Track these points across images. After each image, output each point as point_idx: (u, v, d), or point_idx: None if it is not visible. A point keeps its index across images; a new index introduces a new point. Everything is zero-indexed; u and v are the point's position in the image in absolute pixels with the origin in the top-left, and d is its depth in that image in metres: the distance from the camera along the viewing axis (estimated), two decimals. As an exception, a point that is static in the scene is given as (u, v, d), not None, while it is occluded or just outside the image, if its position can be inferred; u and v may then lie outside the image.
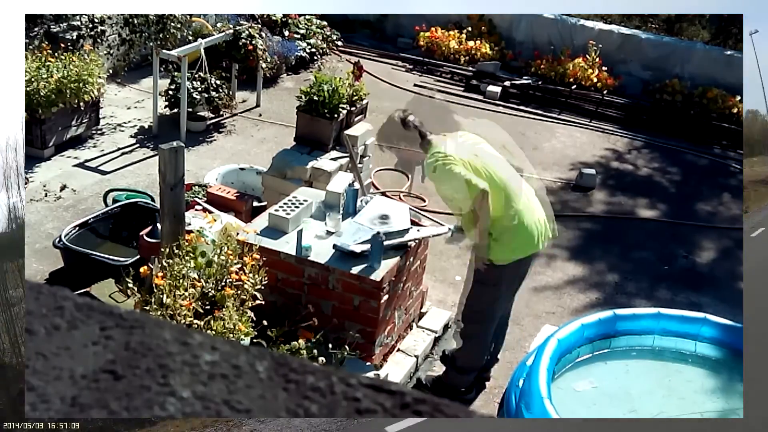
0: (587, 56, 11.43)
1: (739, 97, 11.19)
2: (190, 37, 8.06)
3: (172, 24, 7.71)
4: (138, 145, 7.85)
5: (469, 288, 4.46)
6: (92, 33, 8.17)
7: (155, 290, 3.70)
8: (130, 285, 3.80)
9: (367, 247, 4.33)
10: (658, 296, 6.43)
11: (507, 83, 11.06)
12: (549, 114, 10.68)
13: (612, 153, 9.89)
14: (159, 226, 4.59)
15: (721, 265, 7.32)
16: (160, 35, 7.60)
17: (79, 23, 8.10)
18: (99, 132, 7.96)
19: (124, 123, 8.29)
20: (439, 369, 4.90)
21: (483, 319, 4.47)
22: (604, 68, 11.44)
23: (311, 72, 8.89)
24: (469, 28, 12.17)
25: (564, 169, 8.97)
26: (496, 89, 10.89)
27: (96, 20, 8.26)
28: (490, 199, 4.05)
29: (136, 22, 7.65)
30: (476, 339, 4.55)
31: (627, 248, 7.39)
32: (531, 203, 4.28)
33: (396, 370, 4.65)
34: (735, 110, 11.09)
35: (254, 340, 3.87)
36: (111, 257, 5.09)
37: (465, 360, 4.60)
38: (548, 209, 4.44)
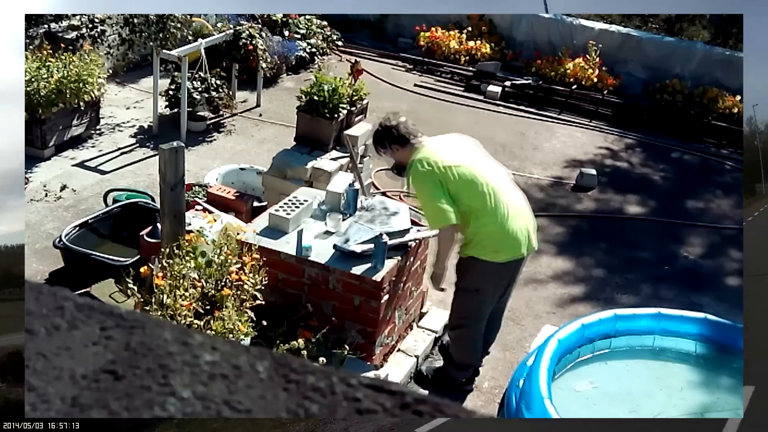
0: (587, 56, 11.43)
1: (739, 97, 11.19)
2: (190, 37, 8.06)
3: (172, 24, 7.71)
4: (138, 145, 7.85)
5: (453, 295, 4.52)
6: (92, 33, 8.17)
7: (155, 290, 3.70)
8: (131, 285, 3.80)
9: (367, 247, 4.33)
10: (658, 296, 6.42)
11: (507, 83, 11.06)
12: (549, 114, 10.68)
13: (612, 153, 9.89)
14: (159, 226, 4.60)
15: (722, 265, 7.32)
16: (160, 35, 7.60)
17: (79, 23, 8.10)
18: (99, 132, 7.96)
19: (124, 123, 8.29)
20: (439, 360, 4.92)
21: (468, 323, 4.51)
22: (604, 68, 11.44)
23: (311, 72, 8.89)
24: (470, 28, 12.17)
25: (564, 169, 8.97)
26: (497, 89, 10.89)
27: (96, 20, 8.26)
28: (470, 204, 4.11)
29: (135, 21, 7.65)
30: (466, 342, 4.61)
31: (627, 248, 7.39)
32: (519, 209, 4.28)
33: (396, 370, 4.65)
34: (735, 110, 11.09)
35: (254, 340, 3.87)
36: (111, 257, 5.09)
37: (460, 357, 4.68)
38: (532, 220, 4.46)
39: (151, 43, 7.66)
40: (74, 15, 8.15)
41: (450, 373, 4.71)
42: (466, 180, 4.11)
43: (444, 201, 4.07)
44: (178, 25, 7.79)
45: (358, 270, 4.26)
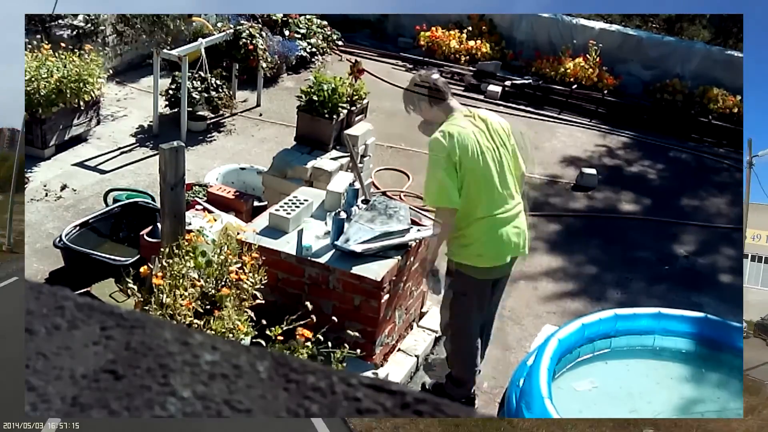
0: (588, 56, 11.43)
1: (739, 97, 11.19)
2: (186, 32, 8.05)
3: (167, 16, 7.71)
4: (138, 144, 7.85)
5: (441, 300, 4.42)
6: (90, 27, 8.17)
7: (155, 290, 3.70)
8: (131, 285, 3.80)
9: (367, 246, 4.33)
10: (658, 296, 6.42)
11: (507, 83, 11.06)
12: (549, 114, 10.68)
13: (612, 153, 9.89)
14: (159, 225, 4.60)
15: (722, 265, 7.33)
16: (154, 28, 7.60)
17: (78, 23, 8.10)
18: (99, 132, 7.97)
19: (124, 123, 8.29)
20: (439, 372, 4.90)
21: (458, 328, 4.38)
22: (604, 68, 11.44)
23: (312, 72, 8.89)
24: (470, 28, 12.17)
25: (564, 168, 8.97)
26: (497, 89, 10.89)
27: (96, 20, 8.26)
28: (473, 195, 3.94)
29: (130, 15, 7.67)
30: (458, 349, 4.48)
31: (627, 248, 7.39)
32: (514, 216, 4.11)
33: (396, 369, 4.65)
34: (735, 110, 11.09)
35: (254, 340, 3.87)
36: (111, 257, 5.09)
37: (456, 373, 4.57)
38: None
39: (144, 36, 7.65)
40: (75, 15, 8.15)
41: (449, 391, 4.59)
42: (476, 167, 3.91)
43: (450, 181, 3.87)
44: (172, 18, 7.78)
45: (358, 270, 4.26)
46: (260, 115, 9.01)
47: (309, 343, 3.91)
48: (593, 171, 8.65)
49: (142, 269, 3.91)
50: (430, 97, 4.12)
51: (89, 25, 8.21)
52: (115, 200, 6.05)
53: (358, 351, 4.30)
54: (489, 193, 4.01)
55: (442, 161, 3.90)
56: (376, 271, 4.27)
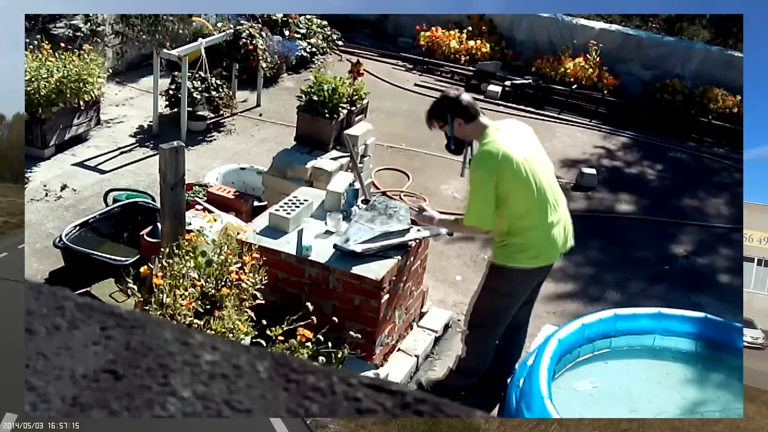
0: (588, 56, 11.43)
1: (739, 97, 11.19)
2: (186, 31, 8.05)
3: (166, 17, 7.71)
4: (138, 144, 7.85)
5: (479, 293, 4.36)
6: (90, 27, 8.17)
7: (155, 290, 3.70)
8: (131, 285, 3.80)
9: (367, 246, 4.33)
10: (658, 295, 6.42)
11: (507, 83, 11.06)
12: (549, 114, 10.68)
13: (612, 153, 9.89)
14: (159, 225, 4.60)
15: (721, 265, 7.32)
16: (153, 28, 7.60)
17: (78, 23, 8.10)
18: (99, 132, 7.97)
19: (124, 122, 8.29)
20: (439, 371, 4.89)
21: (491, 324, 4.39)
22: (604, 68, 11.44)
23: (311, 72, 8.89)
24: (470, 28, 12.17)
25: (564, 168, 8.97)
26: (497, 89, 10.89)
27: (95, 20, 8.26)
28: (524, 205, 4.02)
29: (129, 16, 7.67)
30: (482, 344, 4.48)
31: (627, 248, 7.39)
32: (562, 213, 4.19)
33: (396, 369, 4.65)
34: (735, 110, 11.09)
35: (254, 340, 3.87)
36: (111, 257, 5.09)
37: (468, 363, 4.54)
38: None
39: (145, 36, 7.66)
40: (74, 15, 8.15)
41: (452, 382, 4.59)
42: (523, 179, 3.96)
43: (490, 205, 3.96)
44: (171, 19, 7.78)
45: (358, 270, 4.26)
46: (260, 115, 9.01)
47: (309, 343, 3.91)
48: (593, 171, 8.65)
49: (142, 269, 3.92)
50: (466, 114, 4.13)
51: (89, 24, 8.21)
52: (115, 200, 6.05)
53: (358, 351, 4.31)
54: (541, 200, 4.04)
55: (487, 183, 3.96)
56: (376, 271, 4.27)
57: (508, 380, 4.68)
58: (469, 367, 4.56)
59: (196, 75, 8.20)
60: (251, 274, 3.98)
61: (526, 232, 4.07)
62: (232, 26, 8.49)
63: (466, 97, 4.19)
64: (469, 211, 4.14)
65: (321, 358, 3.95)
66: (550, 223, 4.08)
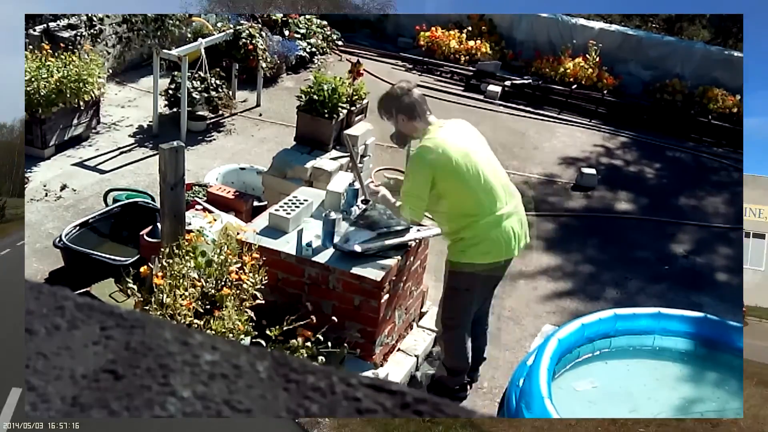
0: (587, 56, 11.43)
1: (738, 97, 11.19)
2: (189, 35, 8.05)
3: (170, 22, 7.71)
4: (138, 144, 7.85)
5: (443, 293, 4.46)
6: (91, 32, 8.17)
7: (155, 290, 3.70)
8: (131, 285, 3.80)
9: (367, 246, 4.33)
10: (658, 295, 6.43)
11: (507, 83, 11.06)
12: (549, 114, 10.68)
13: (612, 152, 9.89)
14: (159, 225, 4.59)
15: (721, 265, 7.33)
16: (158, 33, 7.60)
17: (78, 22, 8.10)
18: (99, 132, 7.97)
19: (124, 122, 8.29)
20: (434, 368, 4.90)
21: (459, 324, 4.45)
22: (604, 68, 11.44)
23: (311, 71, 8.89)
24: (470, 28, 12.17)
25: (564, 168, 8.97)
26: (496, 89, 10.89)
27: (95, 20, 8.26)
28: (470, 199, 4.08)
29: (133, 20, 7.66)
30: (457, 342, 4.53)
31: (627, 248, 7.39)
32: (515, 208, 4.23)
33: (396, 369, 4.65)
34: (735, 110, 11.09)
35: (254, 340, 3.87)
36: (111, 257, 5.09)
37: (451, 362, 4.61)
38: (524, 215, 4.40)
39: (149, 41, 7.66)
40: (73, 15, 8.15)
41: (444, 381, 4.66)
42: (464, 173, 4.04)
43: (424, 199, 4.08)
44: (177, 23, 7.79)
45: (358, 270, 4.26)
46: (260, 115, 9.01)
47: (309, 343, 3.91)
48: (593, 171, 8.65)
49: (142, 269, 3.92)
50: (410, 111, 4.21)
51: (89, 23, 8.21)
52: (115, 200, 6.05)
53: (358, 351, 4.31)
54: (487, 193, 4.10)
55: (422, 177, 4.08)
56: (376, 271, 4.27)
57: (477, 374, 4.79)
58: (454, 366, 4.62)
59: (196, 75, 8.20)
60: (251, 274, 3.98)
61: (476, 225, 4.11)
62: (231, 26, 8.49)
63: (416, 93, 4.26)
64: (402, 200, 4.24)
65: (321, 358, 3.96)
66: (500, 216, 4.11)
